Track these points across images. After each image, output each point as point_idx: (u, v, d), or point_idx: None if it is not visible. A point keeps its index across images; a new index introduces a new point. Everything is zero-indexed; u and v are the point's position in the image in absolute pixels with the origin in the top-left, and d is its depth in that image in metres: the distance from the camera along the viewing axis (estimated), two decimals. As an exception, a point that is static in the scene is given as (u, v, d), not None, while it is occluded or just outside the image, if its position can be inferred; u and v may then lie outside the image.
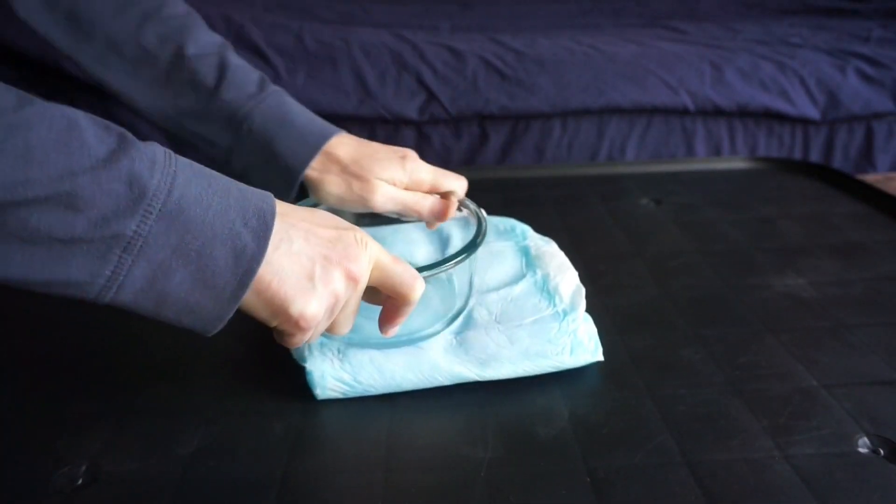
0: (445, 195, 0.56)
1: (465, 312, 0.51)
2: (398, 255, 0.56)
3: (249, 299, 0.36)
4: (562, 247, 0.60)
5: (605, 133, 1.40)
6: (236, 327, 0.54)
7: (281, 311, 0.37)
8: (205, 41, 0.57)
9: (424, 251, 0.59)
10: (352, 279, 0.39)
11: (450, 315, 0.50)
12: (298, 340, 0.40)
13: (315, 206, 0.55)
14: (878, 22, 1.69)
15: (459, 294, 0.51)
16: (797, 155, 1.44)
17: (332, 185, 0.54)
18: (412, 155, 0.56)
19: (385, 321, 0.44)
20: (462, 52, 1.39)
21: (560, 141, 1.40)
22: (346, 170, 0.54)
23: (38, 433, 0.43)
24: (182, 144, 0.57)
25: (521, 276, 0.55)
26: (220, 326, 0.36)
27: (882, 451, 0.40)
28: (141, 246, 0.32)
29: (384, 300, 0.43)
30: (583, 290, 0.52)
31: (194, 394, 0.46)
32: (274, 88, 0.57)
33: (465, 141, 1.39)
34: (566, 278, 0.53)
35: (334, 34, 1.42)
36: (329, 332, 0.42)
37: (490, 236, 0.60)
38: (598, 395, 0.46)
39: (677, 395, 0.45)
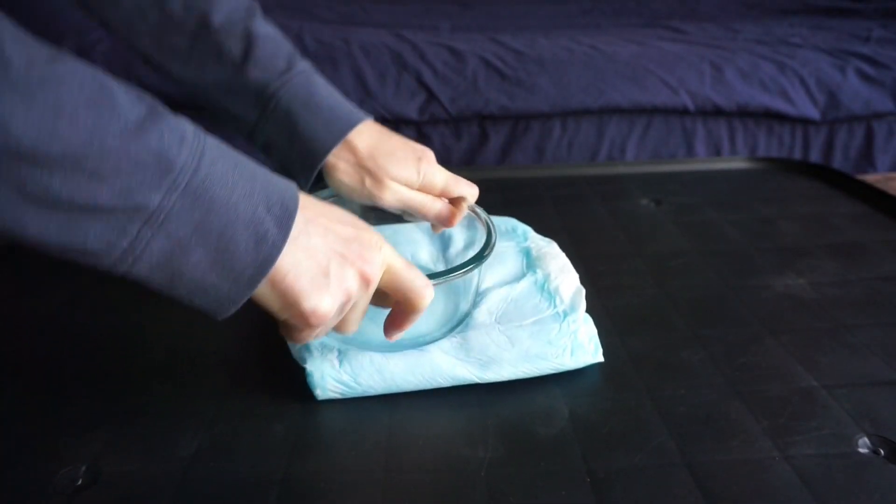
0: (456, 201, 0.55)
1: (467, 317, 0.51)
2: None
3: (263, 290, 0.36)
4: (562, 247, 0.60)
5: (605, 133, 1.40)
6: (237, 328, 0.54)
7: (294, 304, 0.36)
8: (231, 7, 0.55)
9: (426, 252, 0.59)
10: (365, 280, 0.39)
11: (453, 321, 0.50)
12: (306, 336, 0.40)
13: (330, 197, 0.56)
14: (878, 22, 1.69)
15: (464, 301, 0.51)
16: (797, 155, 1.44)
17: (345, 174, 0.54)
18: (428, 156, 0.55)
19: (391, 326, 0.43)
20: (462, 52, 1.39)
21: (560, 141, 1.40)
22: (360, 163, 0.53)
23: (39, 434, 0.43)
24: (209, 116, 0.56)
25: (522, 277, 0.55)
26: (233, 310, 0.36)
27: (882, 452, 0.40)
28: (163, 220, 0.31)
29: (392, 304, 0.43)
30: (583, 292, 0.52)
31: (194, 395, 0.46)
32: (303, 66, 0.55)
33: (465, 141, 1.39)
34: (567, 279, 0.53)
35: (334, 34, 1.43)
36: (336, 330, 0.42)
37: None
38: (599, 396, 0.46)
39: (677, 396, 0.45)
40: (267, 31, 0.56)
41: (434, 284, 0.42)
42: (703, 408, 0.44)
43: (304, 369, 0.45)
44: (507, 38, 1.50)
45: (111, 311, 0.57)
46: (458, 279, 0.46)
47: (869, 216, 0.74)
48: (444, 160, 1.42)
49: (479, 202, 0.56)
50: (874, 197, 0.77)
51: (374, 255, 0.39)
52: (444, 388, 0.46)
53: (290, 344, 0.48)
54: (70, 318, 0.56)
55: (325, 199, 0.55)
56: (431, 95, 1.34)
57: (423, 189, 0.54)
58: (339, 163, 0.54)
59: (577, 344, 0.47)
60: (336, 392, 0.45)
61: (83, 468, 0.40)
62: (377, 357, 0.46)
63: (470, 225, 0.63)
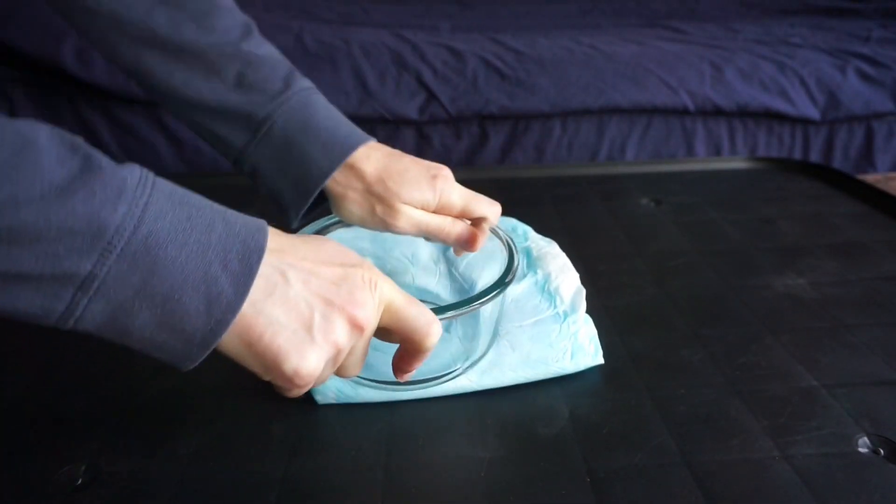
0: (477, 221, 0.51)
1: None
2: (400, 256, 0.57)
3: (239, 351, 0.32)
4: (562, 247, 0.60)
5: (605, 133, 1.40)
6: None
7: (273, 366, 0.33)
8: (224, 26, 0.50)
9: (426, 251, 0.59)
10: (357, 327, 0.34)
11: (474, 354, 0.46)
12: (296, 394, 0.36)
13: (336, 223, 0.52)
14: (878, 22, 1.69)
15: (486, 330, 0.47)
16: (797, 155, 1.44)
17: (354, 204, 0.50)
18: (444, 175, 0.50)
19: (399, 366, 0.40)
20: (462, 52, 1.39)
21: (560, 141, 1.40)
22: (369, 189, 0.49)
23: (39, 433, 0.43)
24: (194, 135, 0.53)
25: (522, 277, 0.55)
26: (193, 366, 0.32)
27: (882, 451, 0.40)
28: (98, 287, 0.29)
29: (399, 341, 0.39)
30: (583, 292, 0.52)
31: (194, 394, 0.46)
32: (300, 86, 0.51)
33: (465, 141, 1.39)
34: (567, 279, 0.53)
35: (334, 34, 1.43)
36: (337, 374, 0.38)
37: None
38: (599, 396, 0.46)
39: (677, 396, 0.45)
40: (262, 51, 0.51)
41: (442, 319, 0.38)
42: (704, 407, 0.44)
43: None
44: (507, 38, 1.50)
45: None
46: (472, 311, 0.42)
47: (869, 216, 0.74)
48: (444, 160, 1.41)
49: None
50: (874, 197, 0.77)
51: (365, 296, 0.35)
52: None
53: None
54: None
55: (331, 225, 0.52)
56: (431, 95, 1.33)
57: (440, 210, 0.50)
58: (347, 192, 0.50)
59: (578, 345, 0.47)
60: (336, 399, 0.45)
61: (83, 467, 0.40)
62: (380, 367, 0.43)
63: None
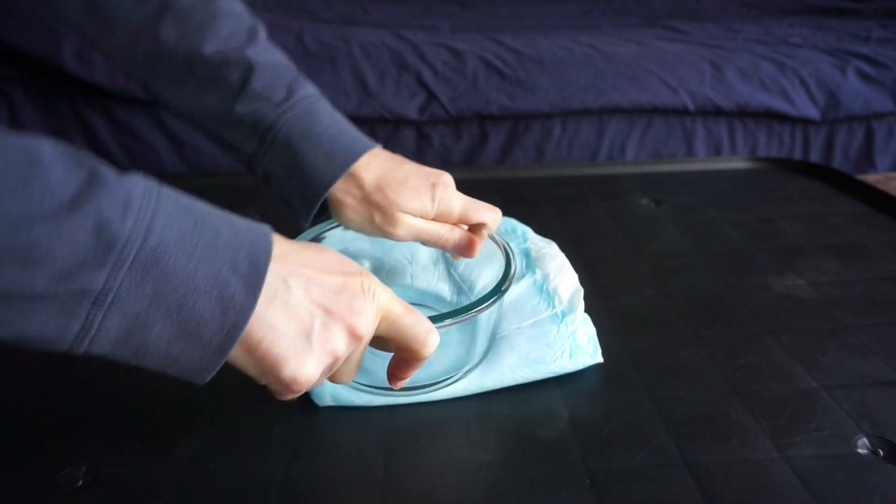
0: (476, 228, 0.51)
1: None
2: (400, 256, 0.57)
3: (238, 356, 0.33)
4: (562, 247, 0.60)
5: (605, 133, 1.40)
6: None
7: (271, 372, 0.33)
8: (228, 32, 0.50)
9: (426, 253, 0.59)
10: (355, 336, 0.35)
11: (471, 360, 0.47)
12: (290, 398, 0.36)
13: (337, 226, 0.53)
14: (878, 22, 1.69)
15: (482, 337, 0.47)
16: (797, 155, 1.44)
17: (353, 212, 0.50)
18: (444, 181, 0.51)
19: (394, 373, 0.40)
20: (462, 52, 1.39)
21: (560, 141, 1.40)
22: (368, 198, 0.49)
23: (39, 434, 0.43)
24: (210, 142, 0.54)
25: (521, 278, 0.55)
26: (210, 376, 0.33)
27: (881, 453, 0.40)
28: (112, 300, 0.29)
29: (394, 349, 0.39)
30: (581, 291, 0.52)
31: (195, 395, 0.46)
32: (304, 93, 0.51)
33: (465, 141, 1.39)
34: (565, 279, 0.53)
35: (334, 34, 1.43)
36: (331, 381, 0.39)
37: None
38: (598, 397, 0.46)
39: (677, 396, 0.45)
40: (267, 57, 0.51)
41: (439, 328, 0.38)
42: (703, 408, 0.44)
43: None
44: (507, 38, 1.50)
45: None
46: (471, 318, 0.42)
47: (869, 216, 0.74)
48: (445, 160, 1.42)
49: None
50: (874, 197, 0.77)
51: (364, 305, 0.35)
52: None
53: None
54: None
55: (330, 230, 0.53)
56: (431, 95, 1.34)
57: (439, 217, 0.50)
58: (346, 198, 0.50)
59: (576, 345, 0.47)
60: (334, 402, 0.45)
61: (83, 468, 0.40)
62: (378, 371, 0.44)
63: None
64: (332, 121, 0.51)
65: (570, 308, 0.50)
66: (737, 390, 0.46)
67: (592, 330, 0.49)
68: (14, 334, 0.28)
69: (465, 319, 0.42)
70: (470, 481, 0.39)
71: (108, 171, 0.29)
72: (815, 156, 1.45)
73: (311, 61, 1.33)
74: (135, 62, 0.51)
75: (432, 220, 0.50)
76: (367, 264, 0.56)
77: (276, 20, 1.51)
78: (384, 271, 0.55)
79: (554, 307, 0.51)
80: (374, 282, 0.36)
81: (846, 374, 0.47)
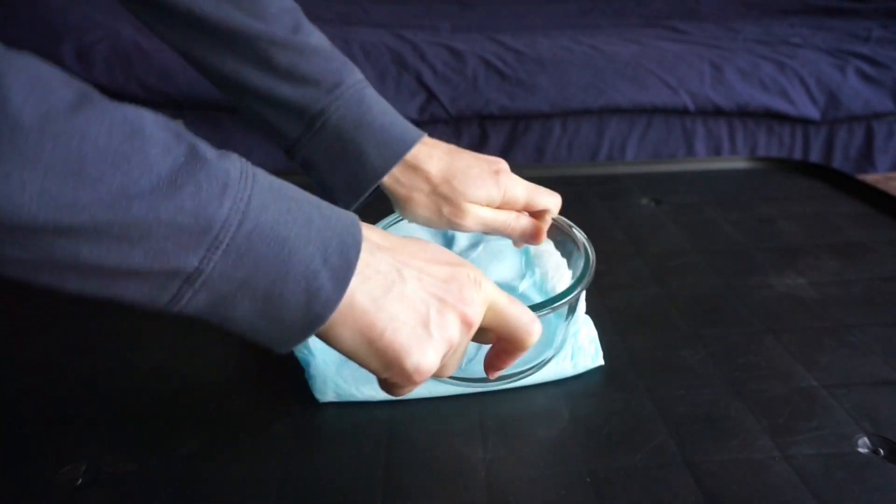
0: (539, 214, 0.52)
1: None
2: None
3: (360, 349, 0.33)
4: (562, 247, 0.60)
5: (605, 133, 1.40)
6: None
7: (395, 363, 0.33)
8: (274, 12, 0.49)
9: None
10: (466, 324, 0.35)
11: (552, 352, 0.47)
12: (409, 391, 0.36)
13: (398, 222, 0.54)
14: (878, 22, 1.69)
15: (562, 327, 0.47)
16: (797, 155, 1.44)
17: (420, 206, 0.50)
18: (505, 168, 0.51)
19: (493, 364, 0.40)
20: (462, 52, 1.39)
21: (560, 141, 1.40)
22: (435, 190, 0.49)
23: (39, 433, 0.43)
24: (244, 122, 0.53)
25: (521, 276, 0.55)
26: (288, 350, 0.33)
27: (882, 452, 0.40)
28: (203, 281, 0.29)
29: (494, 340, 0.39)
30: (583, 292, 0.52)
31: (194, 394, 0.46)
32: (354, 80, 0.50)
33: (465, 141, 1.39)
34: (564, 279, 0.53)
35: (334, 34, 1.42)
36: (435, 375, 0.37)
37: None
38: (599, 396, 0.46)
39: (677, 396, 0.45)
40: (314, 41, 0.50)
41: (539, 316, 0.38)
42: (704, 407, 0.44)
43: (305, 370, 0.45)
44: (507, 38, 1.50)
45: (111, 311, 0.57)
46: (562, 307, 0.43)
47: (869, 216, 0.74)
48: (444, 160, 1.41)
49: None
50: (874, 197, 0.77)
51: (473, 294, 0.35)
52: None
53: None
54: (70, 318, 0.56)
55: (390, 225, 0.53)
56: (431, 95, 1.34)
57: (504, 205, 0.50)
58: (413, 193, 0.50)
59: (578, 347, 0.47)
60: (336, 397, 0.45)
61: (83, 468, 0.40)
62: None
63: None
64: (382, 108, 0.50)
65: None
66: (737, 390, 0.46)
67: (594, 332, 0.49)
68: (105, 296, 0.29)
69: (562, 305, 0.43)
70: (470, 480, 0.39)
71: (207, 149, 0.29)
72: (815, 156, 1.45)
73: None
74: (196, 44, 0.50)
75: (497, 207, 0.50)
76: None
77: None
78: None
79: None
80: (478, 273, 0.36)
81: (846, 373, 0.47)
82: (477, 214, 0.49)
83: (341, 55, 0.51)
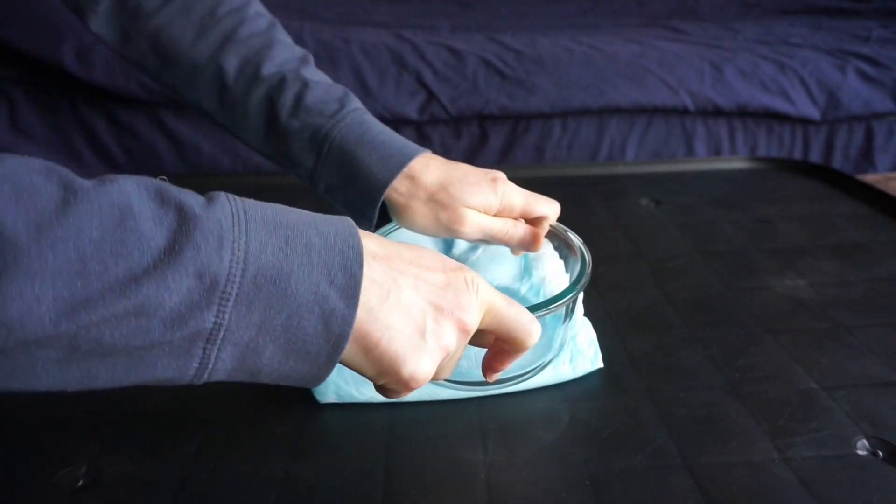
0: (536, 221, 0.53)
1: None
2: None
3: (355, 358, 0.33)
4: (562, 248, 0.59)
5: (605, 133, 1.40)
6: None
7: (391, 371, 0.33)
8: (283, 58, 0.54)
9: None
10: (464, 330, 0.35)
11: (551, 354, 0.47)
12: (404, 395, 0.36)
13: (395, 230, 0.54)
14: (878, 22, 1.69)
15: (561, 329, 0.48)
16: (797, 155, 1.44)
17: (418, 213, 0.51)
18: (502, 177, 0.52)
19: (491, 365, 0.40)
20: (462, 52, 1.39)
21: (560, 141, 1.40)
22: (433, 197, 0.50)
23: (40, 434, 0.43)
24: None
25: (520, 279, 0.55)
26: (322, 382, 0.33)
27: (881, 454, 0.40)
28: (224, 335, 0.29)
29: (492, 342, 0.39)
30: (580, 294, 0.52)
31: (195, 395, 0.46)
32: (354, 106, 0.54)
33: (465, 141, 1.39)
34: (563, 282, 0.53)
35: (334, 34, 1.42)
36: (432, 378, 0.38)
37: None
38: (599, 398, 0.46)
39: (677, 398, 0.45)
40: (318, 77, 0.55)
41: (538, 317, 0.39)
42: (703, 409, 0.44)
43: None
44: (507, 38, 1.50)
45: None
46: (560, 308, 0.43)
47: (869, 216, 0.74)
48: (444, 160, 1.41)
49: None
50: (874, 197, 0.77)
51: (470, 300, 0.36)
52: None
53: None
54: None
55: (389, 232, 0.54)
56: (431, 95, 1.34)
57: (502, 212, 0.51)
58: (410, 202, 0.51)
59: (577, 350, 0.47)
60: (337, 399, 0.45)
61: (83, 468, 0.40)
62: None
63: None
64: (381, 129, 0.53)
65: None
66: (737, 391, 0.46)
67: (593, 335, 0.49)
68: (137, 380, 0.29)
69: (559, 307, 0.42)
70: (470, 482, 0.39)
71: (194, 204, 0.29)
72: (815, 156, 1.45)
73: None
74: (201, 92, 0.54)
75: (495, 215, 0.51)
76: None
77: (277, 20, 1.51)
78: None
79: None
80: (475, 276, 0.37)
81: (846, 374, 0.47)
82: (475, 220, 0.50)
83: (342, 87, 0.55)
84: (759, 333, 0.52)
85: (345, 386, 0.44)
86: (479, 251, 0.57)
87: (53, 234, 0.25)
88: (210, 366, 0.30)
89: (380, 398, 0.45)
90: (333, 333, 0.31)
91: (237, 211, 0.30)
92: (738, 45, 1.51)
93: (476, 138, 1.39)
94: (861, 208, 0.76)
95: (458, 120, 1.36)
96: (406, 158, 0.51)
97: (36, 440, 0.43)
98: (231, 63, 0.53)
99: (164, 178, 0.31)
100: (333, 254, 0.31)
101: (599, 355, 0.48)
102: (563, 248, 0.53)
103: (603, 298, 0.57)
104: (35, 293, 0.25)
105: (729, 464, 0.39)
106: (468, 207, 0.50)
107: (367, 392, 0.44)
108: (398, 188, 0.51)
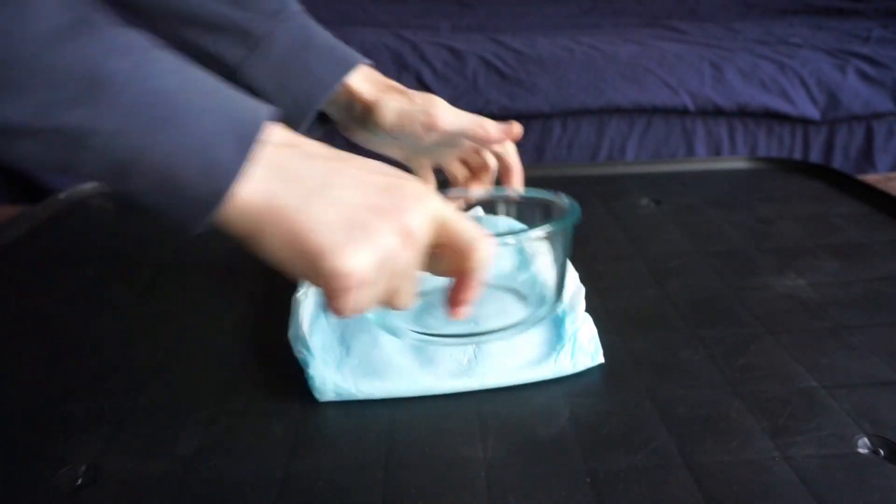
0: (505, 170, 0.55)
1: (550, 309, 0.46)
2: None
3: (283, 250, 0.32)
4: (562, 247, 0.59)
5: (605, 133, 1.40)
6: (237, 327, 0.54)
7: (317, 263, 0.31)
8: None
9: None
10: (406, 234, 0.33)
11: (530, 311, 0.44)
12: (345, 304, 0.33)
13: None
14: (878, 22, 1.69)
15: (540, 284, 0.45)
16: (797, 155, 1.44)
17: (393, 100, 0.49)
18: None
19: (453, 298, 0.38)
20: (462, 52, 1.39)
21: (560, 141, 1.40)
22: (407, 93, 0.50)
23: (39, 433, 0.43)
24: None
25: (517, 272, 0.55)
26: (197, 232, 0.31)
27: (882, 452, 0.40)
28: (93, 143, 0.28)
29: (449, 266, 0.37)
30: (583, 291, 0.52)
31: (194, 394, 0.46)
32: (296, 8, 0.52)
33: (465, 141, 1.39)
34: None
35: (334, 34, 1.43)
36: (390, 305, 0.36)
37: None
38: (599, 396, 0.46)
39: (677, 397, 0.45)
40: None
41: (500, 244, 0.36)
42: (703, 408, 0.44)
43: (304, 370, 0.45)
44: (507, 38, 1.50)
45: (111, 311, 0.57)
46: (538, 267, 0.40)
47: (869, 216, 0.74)
48: (444, 160, 1.41)
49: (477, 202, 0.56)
50: (874, 197, 0.77)
51: (416, 204, 0.33)
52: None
53: (292, 345, 0.47)
54: (70, 317, 0.56)
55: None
56: (431, 95, 1.34)
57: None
58: (382, 94, 0.50)
59: (578, 345, 0.47)
60: (336, 396, 0.45)
61: (83, 467, 0.40)
62: (380, 364, 0.45)
63: (485, 223, 0.63)
64: (325, 34, 0.52)
65: (571, 308, 0.50)
66: (737, 390, 0.46)
67: (594, 330, 0.49)
68: (7, 159, 0.28)
69: (523, 240, 0.40)
70: (470, 479, 0.39)
71: (103, 20, 0.29)
72: (815, 156, 1.45)
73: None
74: None
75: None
76: None
77: None
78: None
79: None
80: (425, 188, 0.35)
81: (846, 373, 0.47)
82: (451, 110, 0.50)
83: None
84: (760, 333, 0.52)
85: (343, 384, 0.44)
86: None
87: None
88: (75, 166, 0.28)
89: (379, 396, 0.45)
90: (213, 184, 0.29)
91: (146, 43, 0.29)
92: (738, 45, 1.51)
93: (476, 138, 1.39)
94: (861, 208, 0.76)
95: (458, 120, 1.36)
96: (352, 64, 0.50)
97: (35, 439, 0.43)
98: None
99: None
100: (238, 109, 0.31)
101: (600, 351, 0.48)
102: (552, 208, 0.54)
103: (603, 297, 0.57)
104: None
105: (729, 462, 0.39)
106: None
107: (365, 389, 0.44)
108: (365, 83, 0.50)
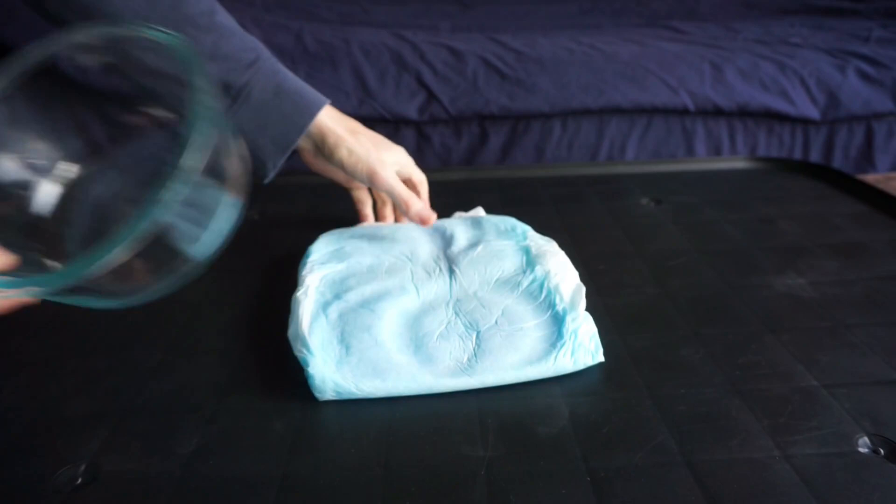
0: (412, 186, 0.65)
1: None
2: (399, 254, 0.57)
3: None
4: (562, 246, 0.59)
5: (605, 133, 1.40)
6: (237, 326, 0.54)
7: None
8: (200, 9, 0.56)
9: (427, 250, 0.59)
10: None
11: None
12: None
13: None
14: (878, 22, 1.69)
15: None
16: (797, 155, 1.44)
17: (358, 144, 0.60)
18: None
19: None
20: (462, 52, 1.39)
21: (560, 141, 1.40)
22: (365, 134, 0.62)
23: (38, 433, 0.43)
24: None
25: (522, 275, 0.55)
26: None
27: (882, 451, 0.40)
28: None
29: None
30: (583, 289, 0.52)
31: (194, 393, 0.46)
32: (267, 55, 0.60)
33: (465, 141, 1.39)
34: (566, 277, 0.53)
35: (334, 34, 1.42)
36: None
37: (490, 235, 0.60)
38: (599, 395, 0.46)
39: (677, 395, 0.45)
40: (230, 23, 0.59)
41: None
42: (704, 407, 0.44)
43: (304, 369, 0.45)
44: (507, 38, 1.50)
45: (111, 311, 0.57)
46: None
47: (869, 216, 0.74)
48: (444, 160, 1.42)
49: (479, 202, 0.56)
50: (874, 197, 0.77)
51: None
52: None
53: (291, 343, 0.47)
54: (69, 316, 0.56)
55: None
56: (431, 95, 1.34)
57: (403, 178, 0.63)
58: (347, 134, 0.60)
59: (578, 343, 0.47)
60: (335, 395, 0.45)
61: (82, 467, 0.40)
62: (380, 363, 0.45)
63: (475, 224, 0.63)
64: (293, 78, 0.61)
65: (572, 306, 0.50)
66: (737, 389, 0.46)
67: (594, 328, 0.49)
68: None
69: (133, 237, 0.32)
70: (470, 478, 0.38)
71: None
72: (815, 156, 1.45)
73: (311, 61, 1.33)
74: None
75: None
76: (366, 261, 0.56)
77: (276, 20, 1.51)
78: (384, 269, 0.55)
79: (555, 305, 0.51)
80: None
81: (847, 372, 0.47)
82: (392, 172, 0.61)
83: (251, 36, 0.60)
84: (760, 331, 0.52)
85: (343, 383, 0.44)
86: (480, 248, 0.58)
87: None
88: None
89: (379, 394, 0.45)
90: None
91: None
92: (738, 45, 1.51)
93: (476, 138, 1.39)
94: (861, 208, 0.76)
95: (458, 120, 1.36)
96: (318, 106, 0.60)
97: (35, 438, 0.43)
98: (141, 11, 0.54)
99: None
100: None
101: (600, 349, 0.48)
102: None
103: (603, 296, 0.57)
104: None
105: (729, 461, 0.39)
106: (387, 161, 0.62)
107: (365, 388, 0.44)
108: (329, 123, 0.60)
